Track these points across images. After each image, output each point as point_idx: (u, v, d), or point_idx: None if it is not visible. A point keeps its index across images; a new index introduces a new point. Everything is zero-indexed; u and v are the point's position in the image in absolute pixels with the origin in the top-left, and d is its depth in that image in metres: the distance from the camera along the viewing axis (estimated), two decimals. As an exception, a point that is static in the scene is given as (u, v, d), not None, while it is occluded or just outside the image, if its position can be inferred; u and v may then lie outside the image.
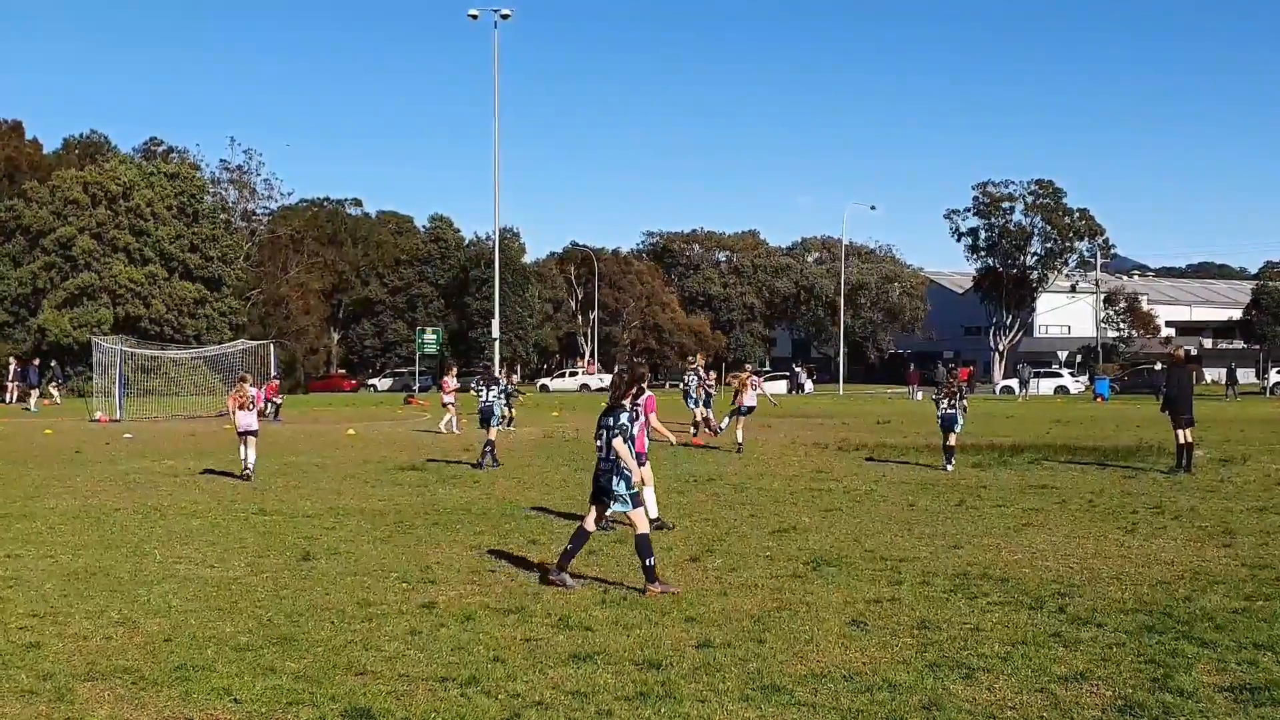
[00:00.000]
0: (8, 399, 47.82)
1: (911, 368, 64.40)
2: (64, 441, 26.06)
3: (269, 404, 36.21)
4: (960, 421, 19.47)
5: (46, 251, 60.73)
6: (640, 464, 10.39)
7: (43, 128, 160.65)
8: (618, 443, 9.12)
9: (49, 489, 16.42)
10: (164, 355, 49.03)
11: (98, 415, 35.77)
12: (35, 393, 44.01)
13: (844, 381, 79.28)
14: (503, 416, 23.38)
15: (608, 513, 9.39)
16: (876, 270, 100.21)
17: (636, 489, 9.29)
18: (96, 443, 25.71)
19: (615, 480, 9.13)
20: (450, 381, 29.75)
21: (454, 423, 28.83)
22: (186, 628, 7.92)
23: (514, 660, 7.10)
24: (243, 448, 17.92)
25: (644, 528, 9.17)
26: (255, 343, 46.03)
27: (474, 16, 49.27)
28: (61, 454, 22.57)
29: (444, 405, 29.62)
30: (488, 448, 19.42)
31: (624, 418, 9.30)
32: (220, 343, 55.24)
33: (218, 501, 15.00)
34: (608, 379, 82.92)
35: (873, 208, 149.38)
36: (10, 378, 48.87)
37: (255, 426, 18.21)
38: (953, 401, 19.31)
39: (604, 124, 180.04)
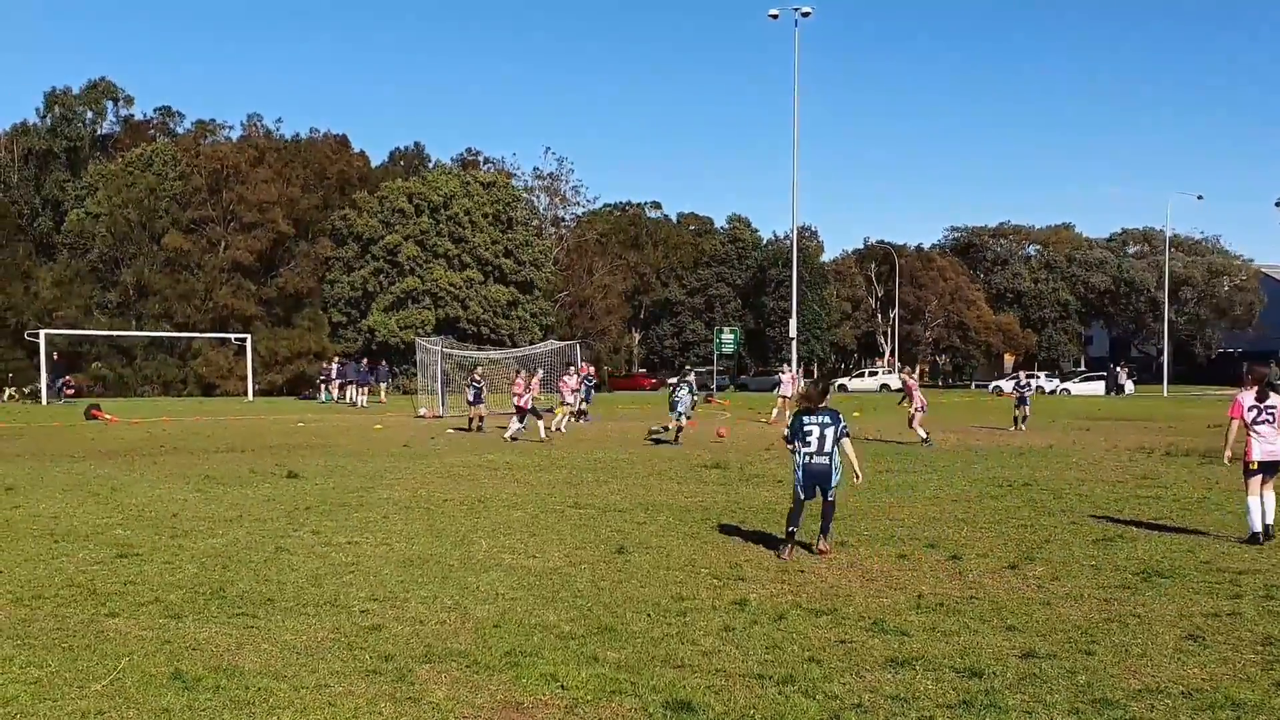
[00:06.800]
0: (337, 397, 51.02)
1: (1245, 368, 59.24)
2: (393, 436, 27.89)
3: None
4: None
5: (375, 258, 65.44)
6: None
7: (367, 140, 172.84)
8: None
9: (382, 480, 17.52)
10: (480, 355, 51.77)
11: (422, 411, 38.10)
12: (368, 390, 47.28)
13: (1168, 382, 74.13)
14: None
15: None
16: (1202, 263, 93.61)
17: None
18: (422, 437, 27.39)
19: None
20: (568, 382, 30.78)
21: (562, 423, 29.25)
22: (514, 615, 8.27)
23: (829, 661, 7.03)
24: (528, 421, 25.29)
25: None
26: (563, 343, 47.83)
27: (774, 16, 49.44)
28: (391, 448, 24.13)
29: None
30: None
31: None
32: (531, 343, 57.89)
33: (535, 494, 15.64)
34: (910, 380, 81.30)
35: (1199, 197, 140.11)
36: (334, 376, 51.98)
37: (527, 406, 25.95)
38: None
39: (902, 119, 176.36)
